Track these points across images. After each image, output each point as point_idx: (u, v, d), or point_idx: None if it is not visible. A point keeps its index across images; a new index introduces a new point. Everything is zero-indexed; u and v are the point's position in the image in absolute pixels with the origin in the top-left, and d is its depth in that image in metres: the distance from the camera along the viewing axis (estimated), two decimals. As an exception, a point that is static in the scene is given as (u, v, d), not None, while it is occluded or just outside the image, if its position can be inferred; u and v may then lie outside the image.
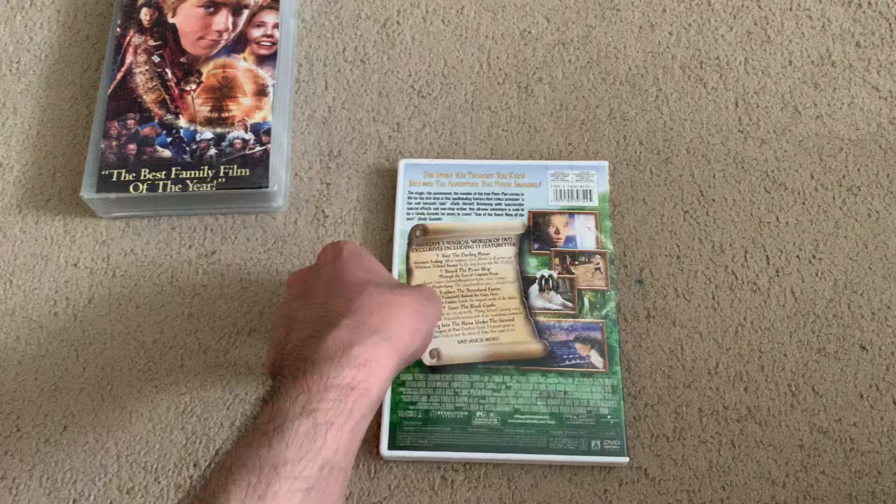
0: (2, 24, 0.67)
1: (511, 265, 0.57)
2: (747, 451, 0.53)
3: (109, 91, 0.60)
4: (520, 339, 0.55)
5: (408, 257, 0.58)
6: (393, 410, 0.53)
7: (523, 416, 0.53)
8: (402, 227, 0.58)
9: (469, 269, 0.57)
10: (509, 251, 0.58)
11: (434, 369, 0.54)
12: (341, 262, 0.48)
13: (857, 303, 0.56)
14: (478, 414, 0.53)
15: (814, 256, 0.58)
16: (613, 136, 0.62)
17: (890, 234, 0.58)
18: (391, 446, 0.52)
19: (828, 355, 0.55)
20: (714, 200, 0.60)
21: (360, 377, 0.42)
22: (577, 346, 0.55)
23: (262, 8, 0.63)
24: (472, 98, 0.64)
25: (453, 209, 0.59)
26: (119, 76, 0.61)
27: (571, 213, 0.58)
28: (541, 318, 0.55)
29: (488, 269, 0.57)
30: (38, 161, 0.62)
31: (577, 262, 0.57)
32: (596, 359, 0.54)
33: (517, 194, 0.59)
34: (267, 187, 0.57)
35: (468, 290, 0.56)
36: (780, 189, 0.60)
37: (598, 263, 0.57)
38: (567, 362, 0.54)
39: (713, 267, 0.58)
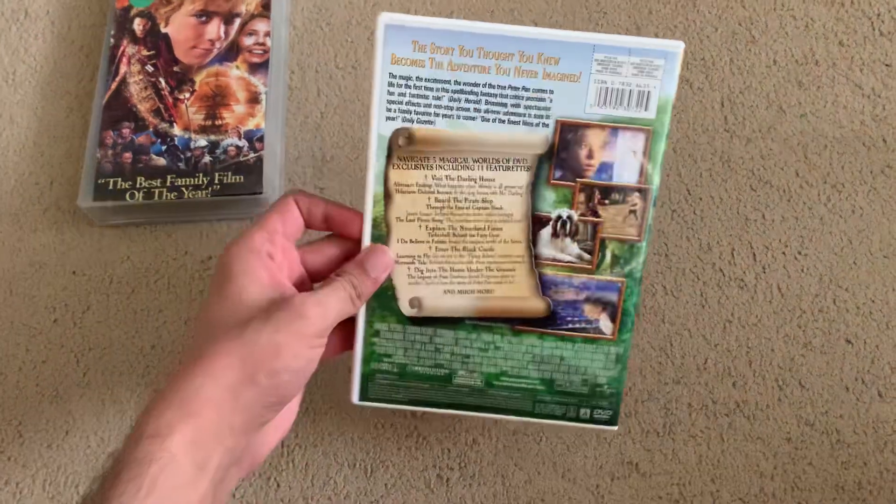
0: (-3, 36, 0.68)
1: (521, 198, 0.45)
2: (736, 445, 0.54)
3: (104, 101, 0.61)
4: (519, 294, 0.46)
5: (386, 176, 0.44)
6: (365, 362, 0.46)
7: (510, 380, 0.47)
8: (379, 129, 0.44)
9: (466, 199, 0.45)
10: (522, 178, 0.44)
11: (414, 320, 0.46)
12: (212, 285, 0.43)
13: (842, 297, 0.57)
14: (460, 373, 0.47)
15: (799, 253, 0.59)
16: (601, 138, 0.63)
17: (874, 230, 0.59)
18: (362, 397, 0.47)
19: (814, 349, 0.56)
20: (701, 199, 0.61)
21: (155, 447, 0.36)
22: (587, 307, 0.46)
23: (253, 16, 0.64)
24: (461, 102, 0.64)
25: (451, 108, 0.44)
26: (113, 86, 0.62)
27: (616, 127, 0.44)
28: (548, 271, 0.45)
29: (491, 202, 0.45)
30: (35, 171, 0.63)
31: (607, 201, 0.45)
32: (605, 324, 0.46)
33: (544, 91, 0.43)
34: (261, 193, 0.58)
35: (462, 227, 0.45)
36: (765, 187, 0.61)
37: (636, 205, 0.44)
38: (570, 325, 0.46)
39: (700, 265, 0.59)
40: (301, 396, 0.46)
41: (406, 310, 0.46)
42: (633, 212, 0.45)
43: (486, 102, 0.43)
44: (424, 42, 0.43)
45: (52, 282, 0.59)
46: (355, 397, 0.47)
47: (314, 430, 0.55)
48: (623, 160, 0.44)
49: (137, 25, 0.64)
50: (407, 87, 0.43)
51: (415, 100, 0.44)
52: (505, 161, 0.44)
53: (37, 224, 0.61)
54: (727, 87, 0.64)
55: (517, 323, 0.46)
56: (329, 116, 0.64)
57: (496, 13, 0.67)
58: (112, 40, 0.63)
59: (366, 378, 0.47)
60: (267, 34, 0.63)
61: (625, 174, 0.44)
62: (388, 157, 0.44)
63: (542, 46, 0.43)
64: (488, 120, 0.44)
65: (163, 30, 0.63)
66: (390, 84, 0.43)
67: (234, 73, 0.62)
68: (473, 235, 0.45)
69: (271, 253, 0.43)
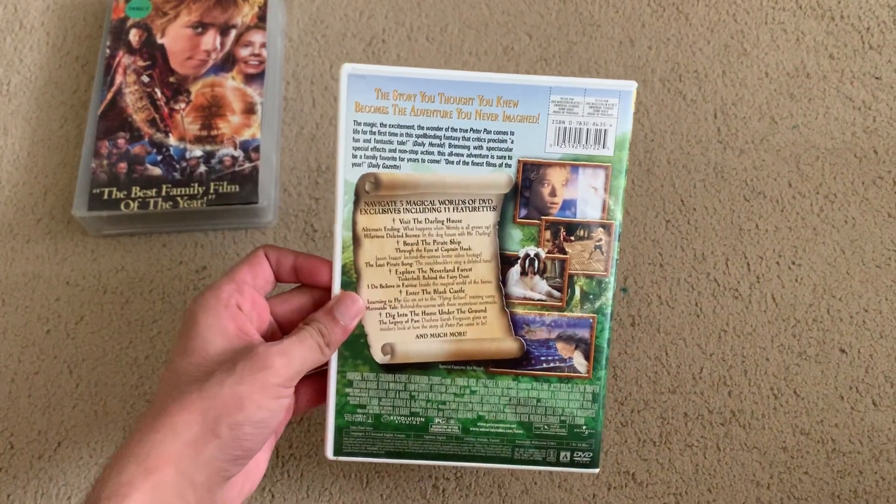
0: (-8, 47, 0.68)
1: (489, 238, 0.45)
2: (732, 454, 0.54)
3: (100, 111, 0.61)
4: (491, 336, 0.45)
5: (354, 222, 0.44)
6: (339, 414, 0.46)
7: (487, 425, 0.46)
8: (345, 175, 0.44)
9: (434, 241, 0.45)
10: (488, 218, 0.45)
11: (387, 368, 0.45)
12: (179, 337, 0.43)
13: (835, 307, 0.58)
14: (436, 420, 0.46)
15: (793, 262, 0.59)
16: (596, 149, 0.63)
17: (866, 240, 0.60)
18: (336, 452, 0.46)
19: (808, 359, 0.56)
20: (695, 209, 0.61)
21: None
22: (559, 345, 0.46)
23: (249, 28, 0.64)
24: (456, 113, 0.65)
25: (416, 151, 0.44)
26: (109, 96, 0.62)
27: (576, 164, 0.44)
28: (519, 310, 0.45)
29: (459, 243, 0.45)
30: (29, 181, 0.63)
31: (572, 238, 0.45)
32: (579, 362, 0.46)
33: (505, 133, 0.44)
34: (257, 203, 0.58)
35: (432, 270, 0.45)
36: (759, 197, 0.61)
37: (601, 240, 0.45)
38: (544, 365, 0.46)
39: (695, 274, 0.59)
40: (271, 448, 0.45)
41: (379, 357, 0.45)
42: (598, 247, 0.45)
43: (450, 145, 0.44)
44: (387, 89, 0.44)
45: (46, 292, 0.59)
46: (329, 452, 0.46)
47: (309, 441, 0.55)
48: (585, 197, 0.45)
49: (133, 36, 0.64)
50: (371, 133, 0.44)
51: (380, 145, 0.44)
52: (471, 202, 0.45)
53: (30, 234, 0.61)
54: (720, 99, 0.65)
55: (491, 365, 0.46)
56: (324, 127, 0.64)
57: (490, 26, 0.68)
58: (108, 51, 0.63)
59: (340, 431, 0.46)
60: (262, 45, 0.63)
61: (588, 210, 0.45)
62: (356, 202, 0.44)
63: (500, 90, 0.44)
64: (452, 162, 0.44)
65: (159, 41, 0.63)
66: (355, 131, 0.44)
67: (230, 83, 0.62)
68: (443, 277, 0.45)
69: (239, 303, 0.43)
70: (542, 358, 0.46)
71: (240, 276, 0.44)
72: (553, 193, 0.45)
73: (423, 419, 0.46)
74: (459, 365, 0.45)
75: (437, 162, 0.44)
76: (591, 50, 0.67)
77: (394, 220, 0.44)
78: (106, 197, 0.58)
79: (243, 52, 0.63)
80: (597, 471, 0.47)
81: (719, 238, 0.60)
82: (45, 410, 0.56)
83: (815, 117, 0.64)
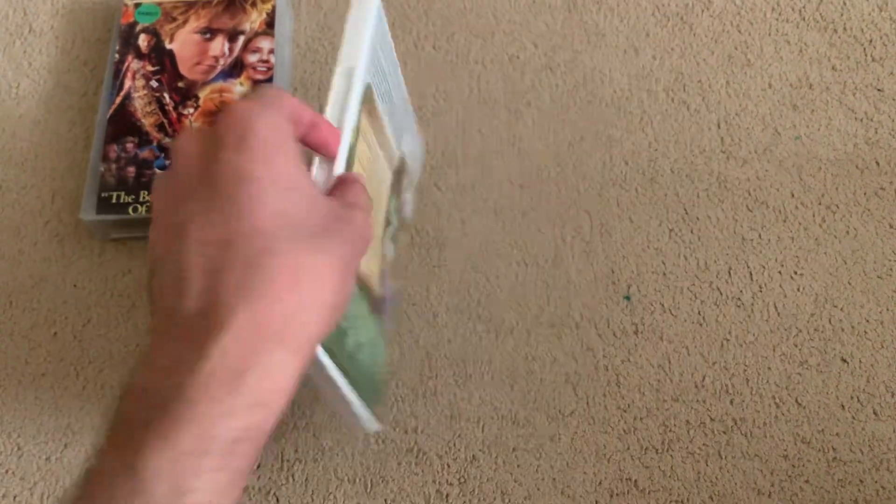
0: (1, 51, 0.68)
1: (385, 193, 0.49)
2: (734, 462, 0.54)
3: (109, 115, 0.61)
4: (377, 272, 0.47)
5: (359, 120, 0.42)
6: None
7: (363, 354, 0.45)
8: (367, 76, 0.43)
9: (375, 178, 0.46)
10: (388, 178, 0.49)
11: None
12: (247, 165, 0.30)
13: (837, 317, 0.58)
14: (349, 333, 0.42)
15: (795, 272, 0.60)
16: (600, 157, 0.64)
17: (868, 251, 0.60)
18: None
19: (810, 368, 0.57)
20: (698, 219, 0.61)
21: (254, 421, 0.27)
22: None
23: (257, 34, 0.64)
24: (463, 121, 0.65)
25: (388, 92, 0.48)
26: (118, 101, 0.62)
27: None
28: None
29: (381, 188, 0.48)
30: (37, 184, 0.63)
31: None
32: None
33: None
34: (264, 208, 0.58)
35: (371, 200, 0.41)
36: (761, 207, 0.62)
37: None
38: (385, 316, 0.50)
39: (698, 283, 0.59)
40: None
41: None
42: None
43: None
44: None
45: (53, 295, 0.59)
46: None
47: (314, 446, 0.55)
48: None
49: (142, 41, 0.64)
50: (382, 55, 0.46)
51: (385, 71, 0.47)
52: (390, 158, 0.49)
53: (38, 237, 0.61)
54: (723, 110, 0.65)
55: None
56: (331, 133, 0.65)
57: (496, 35, 0.68)
58: (117, 56, 0.64)
59: None
60: (270, 52, 0.64)
61: None
62: (363, 106, 0.43)
63: None
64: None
65: (167, 46, 0.64)
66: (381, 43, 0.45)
67: (238, 89, 0.62)
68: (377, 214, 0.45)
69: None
70: (385, 308, 0.50)
71: (290, 110, 0.34)
72: None
73: (344, 328, 0.41)
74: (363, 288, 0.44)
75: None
76: (596, 59, 0.67)
77: (370, 140, 0.45)
78: (114, 201, 0.58)
79: (251, 59, 0.64)
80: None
81: (722, 247, 0.60)
82: (51, 412, 0.56)
83: (817, 128, 0.65)
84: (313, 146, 0.37)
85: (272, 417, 0.28)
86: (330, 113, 0.40)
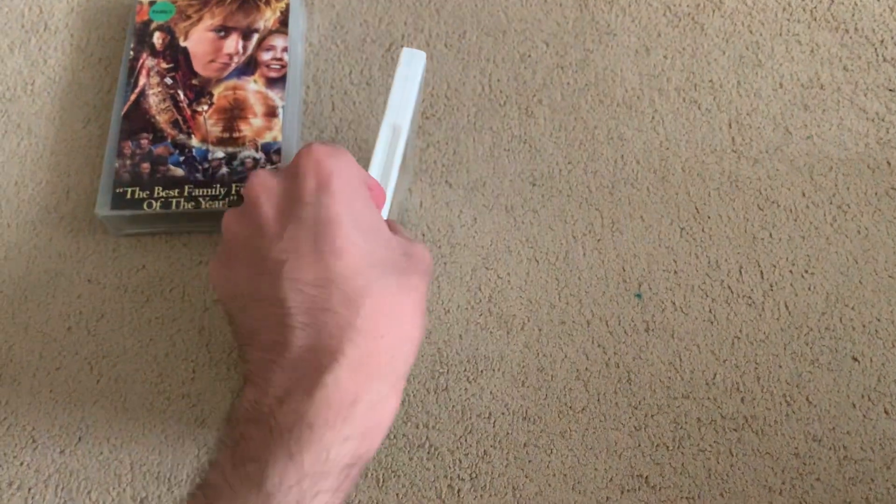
0: (16, 48, 0.69)
1: None
2: (745, 460, 0.54)
3: (124, 111, 0.62)
4: None
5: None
6: None
7: None
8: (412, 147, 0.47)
9: None
10: None
11: None
12: (333, 207, 0.31)
13: (848, 316, 0.58)
14: None
15: (806, 271, 0.60)
16: (611, 156, 0.64)
17: (879, 250, 0.60)
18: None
19: (821, 366, 0.57)
20: (709, 217, 0.62)
21: (364, 449, 0.29)
22: None
23: (271, 32, 0.65)
24: (474, 119, 0.66)
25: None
26: (133, 97, 0.62)
27: None
28: None
29: None
30: (52, 180, 0.64)
31: None
32: None
33: None
34: (277, 205, 0.59)
35: None
36: (772, 207, 0.62)
37: None
38: None
39: (709, 282, 0.59)
40: None
41: None
42: None
43: None
44: None
45: (68, 290, 0.60)
46: None
47: (326, 440, 0.55)
48: None
49: (157, 39, 0.65)
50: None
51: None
52: None
53: (53, 232, 0.62)
54: (734, 109, 0.65)
55: None
56: (343, 131, 0.65)
57: (508, 33, 0.69)
58: (132, 53, 0.64)
59: None
60: (284, 50, 0.64)
61: None
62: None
63: None
64: None
65: (182, 44, 0.64)
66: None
67: (252, 87, 0.63)
68: None
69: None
70: None
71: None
72: None
73: None
74: None
75: None
76: (608, 58, 0.68)
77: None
78: (129, 196, 0.59)
79: (265, 56, 0.64)
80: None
81: (733, 246, 0.61)
82: (66, 406, 0.56)
83: (828, 128, 0.65)
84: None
85: (374, 448, 0.30)
86: (375, 169, 0.43)
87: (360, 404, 0.29)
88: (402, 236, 0.36)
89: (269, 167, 0.60)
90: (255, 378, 0.31)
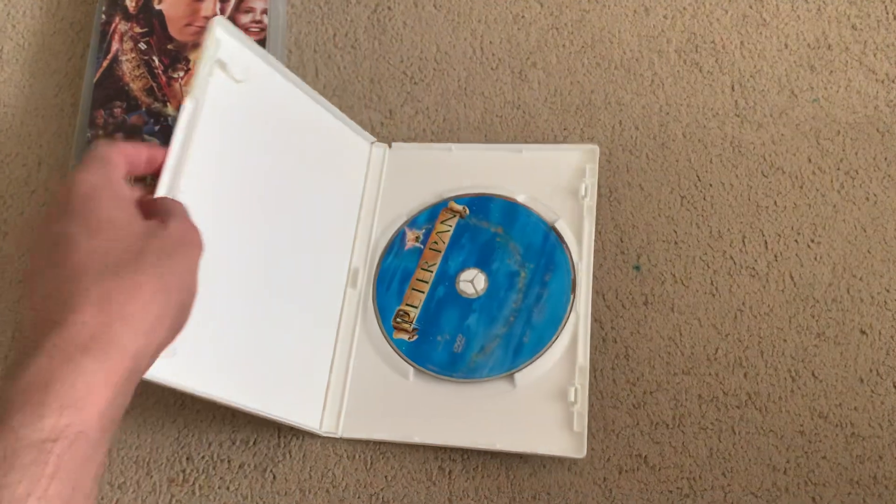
0: (-16, 12, 0.66)
1: None
2: (748, 438, 0.52)
3: (95, 79, 0.59)
4: None
5: None
6: None
7: None
8: None
9: None
10: None
11: None
12: (64, 223, 0.36)
13: (856, 287, 0.56)
14: None
15: (812, 241, 0.57)
16: (609, 122, 0.61)
17: (888, 218, 0.58)
18: None
19: (827, 340, 0.54)
20: (711, 185, 0.59)
21: (66, 421, 0.31)
22: None
23: (250, -7, 0.62)
24: (465, 84, 0.63)
25: None
26: (105, 64, 0.59)
27: None
28: None
29: None
30: (23, 152, 0.61)
31: None
32: None
33: None
34: (258, 175, 0.56)
35: None
36: (777, 173, 0.59)
37: None
38: None
39: (711, 252, 0.57)
40: None
41: None
42: None
43: None
44: None
45: (40, 266, 0.57)
46: None
47: (312, 421, 0.53)
48: None
49: (130, 2, 0.61)
50: None
51: None
52: None
53: (24, 206, 0.59)
54: (738, 71, 0.63)
55: None
56: (328, 97, 0.62)
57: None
58: (103, 16, 0.61)
59: None
60: (264, 12, 0.61)
61: None
62: None
63: None
64: None
65: (156, 6, 0.61)
66: None
67: (230, 51, 0.60)
68: None
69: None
70: None
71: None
72: None
73: None
74: None
75: None
76: (605, 19, 0.65)
77: None
78: (102, 168, 0.56)
79: (244, 19, 0.61)
80: None
81: (736, 215, 0.58)
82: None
83: (836, 90, 0.62)
84: (159, 174, 0.43)
85: (91, 428, 0.32)
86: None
87: (56, 385, 0.32)
88: (159, 217, 0.39)
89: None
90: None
